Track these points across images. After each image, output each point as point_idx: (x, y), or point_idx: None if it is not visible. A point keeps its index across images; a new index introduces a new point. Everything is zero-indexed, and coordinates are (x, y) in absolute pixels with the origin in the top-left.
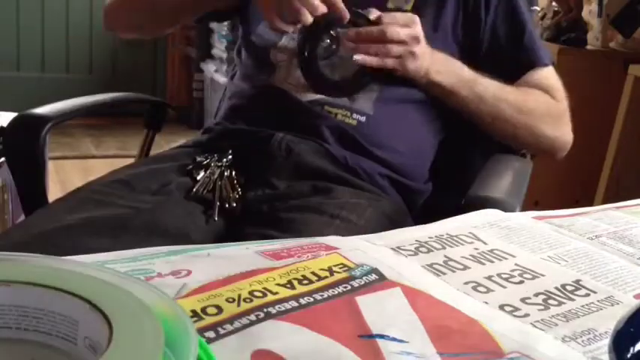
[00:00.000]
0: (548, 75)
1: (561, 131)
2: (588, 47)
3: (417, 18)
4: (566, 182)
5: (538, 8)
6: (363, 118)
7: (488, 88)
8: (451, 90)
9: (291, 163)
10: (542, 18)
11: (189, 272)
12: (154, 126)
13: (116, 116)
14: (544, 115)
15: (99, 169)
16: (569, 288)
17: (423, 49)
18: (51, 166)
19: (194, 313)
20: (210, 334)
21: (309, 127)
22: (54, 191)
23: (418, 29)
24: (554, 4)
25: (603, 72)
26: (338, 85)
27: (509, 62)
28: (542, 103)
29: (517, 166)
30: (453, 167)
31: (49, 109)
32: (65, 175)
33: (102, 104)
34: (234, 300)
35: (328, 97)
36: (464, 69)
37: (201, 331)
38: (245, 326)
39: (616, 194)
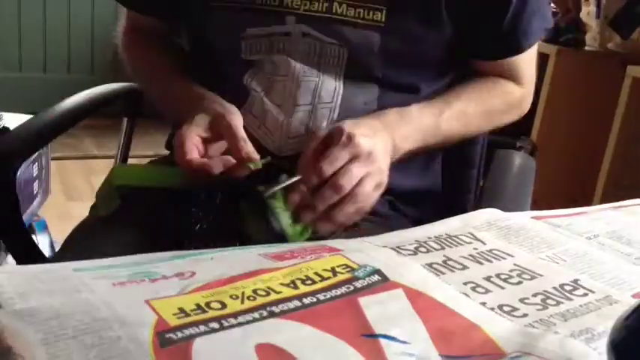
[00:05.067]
0: (523, 59)
1: (519, 112)
2: (586, 48)
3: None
4: (565, 182)
5: None
6: None
7: (451, 119)
8: (421, 146)
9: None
10: None
11: (193, 274)
12: (129, 114)
13: (118, 116)
14: (505, 111)
15: (101, 169)
16: (567, 288)
17: (374, 156)
18: (53, 166)
19: (198, 307)
20: (214, 325)
21: None
22: (55, 191)
23: (355, 149)
24: (552, 5)
25: (601, 73)
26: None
27: (490, 45)
28: (506, 97)
29: (523, 167)
30: (453, 164)
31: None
32: (67, 176)
33: (81, 109)
34: (237, 297)
35: None
36: (421, 116)
37: (205, 322)
38: (248, 322)
39: (614, 194)
